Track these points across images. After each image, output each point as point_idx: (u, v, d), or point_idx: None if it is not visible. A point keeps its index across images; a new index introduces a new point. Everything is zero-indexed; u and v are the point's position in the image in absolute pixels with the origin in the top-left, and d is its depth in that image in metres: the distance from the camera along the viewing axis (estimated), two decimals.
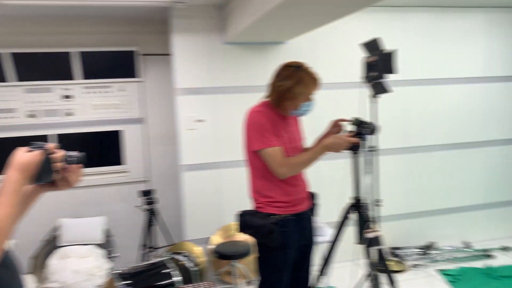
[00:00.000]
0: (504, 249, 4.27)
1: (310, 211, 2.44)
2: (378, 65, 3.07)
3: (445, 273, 3.80)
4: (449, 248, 4.24)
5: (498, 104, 4.49)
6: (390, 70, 3.07)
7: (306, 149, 2.36)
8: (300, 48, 3.89)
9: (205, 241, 3.82)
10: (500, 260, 4.05)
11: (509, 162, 4.58)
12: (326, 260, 2.54)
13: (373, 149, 3.31)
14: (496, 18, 4.39)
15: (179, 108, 3.74)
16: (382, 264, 2.44)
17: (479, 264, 3.97)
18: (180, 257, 3.38)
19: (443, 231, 4.41)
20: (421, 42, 4.21)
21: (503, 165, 4.57)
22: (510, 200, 4.62)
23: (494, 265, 3.91)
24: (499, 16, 4.40)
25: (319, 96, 2.35)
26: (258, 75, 3.80)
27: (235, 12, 3.38)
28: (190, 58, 3.73)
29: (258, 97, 2.35)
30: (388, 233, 4.20)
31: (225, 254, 3.25)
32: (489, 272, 3.76)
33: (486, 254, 4.14)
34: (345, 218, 2.52)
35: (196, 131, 3.78)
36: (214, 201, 3.87)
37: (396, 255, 4.12)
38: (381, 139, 3.69)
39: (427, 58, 4.24)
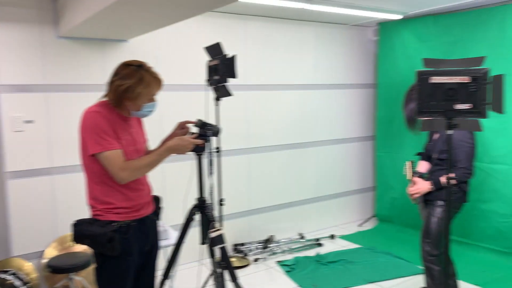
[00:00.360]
0: (332, 237, 4.81)
1: (154, 215, 2.38)
2: (220, 69, 3.18)
3: (282, 264, 4.11)
4: (286, 240, 4.60)
5: (325, 109, 5.03)
6: (231, 75, 3.20)
7: (150, 152, 2.30)
8: (143, 48, 3.79)
9: (38, 255, 3.44)
10: (328, 247, 4.55)
11: (334, 160, 5.18)
12: (170, 263, 2.51)
13: (217, 150, 3.41)
14: (323, 32, 4.92)
15: (3, 107, 3.30)
16: (225, 261, 2.52)
17: (311, 252, 4.40)
18: (6, 276, 2.99)
19: (281, 225, 4.77)
20: (260, 49, 4.48)
21: (330, 163, 5.15)
22: (336, 193, 5.24)
23: (323, 252, 4.37)
24: (326, 30, 4.94)
25: (165, 97, 2.32)
26: (97, 73, 3.59)
27: (69, 5, 3.12)
28: (16, 51, 3.31)
29: (97, 96, 2.20)
30: (232, 231, 4.37)
31: (60, 268, 2.98)
32: (319, 259, 4.19)
33: (317, 243, 4.61)
34: (189, 220, 2.54)
35: (24, 133, 3.38)
36: (47, 210, 3.51)
37: (240, 251, 4.31)
38: (224, 141, 3.82)
39: (265, 65, 4.53)
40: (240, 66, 3.64)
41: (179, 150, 2.22)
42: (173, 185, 3.89)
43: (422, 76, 1.96)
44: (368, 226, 5.28)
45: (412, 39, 4.71)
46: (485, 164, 4.07)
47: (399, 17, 4.60)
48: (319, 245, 4.59)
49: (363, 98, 5.35)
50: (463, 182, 2.95)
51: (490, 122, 3.83)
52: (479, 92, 1.89)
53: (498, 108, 1.93)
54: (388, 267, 4.02)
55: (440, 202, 2.98)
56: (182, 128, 2.39)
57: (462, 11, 4.25)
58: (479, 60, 1.93)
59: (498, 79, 1.94)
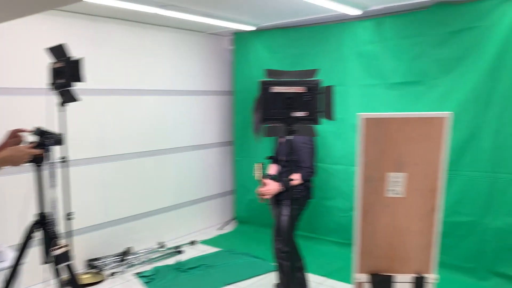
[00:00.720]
0: (192, 243, 4.83)
1: None
2: (65, 72, 2.96)
3: (140, 275, 3.98)
4: (145, 250, 4.47)
5: (184, 115, 5.04)
6: (78, 78, 3.00)
7: None
8: None
9: None
10: (189, 253, 4.55)
11: (194, 166, 5.21)
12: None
13: (62, 160, 3.16)
14: (181, 39, 4.93)
15: None
16: (72, 280, 2.35)
17: (171, 261, 4.35)
18: None
19: (140, 235, 4.62)
20: (115, 53, 4.28)
21: (190, 169, 5.16)
22: (196, 199, 5.27)
23: (184, 259, 4.36)
24: (184, 37, 4.95)
25: None
26: None
27: None
28: None
29: None
30: (85, 246, 4.10)
31: None
32: (179, 267, 4.16)
33: (177, 250, 4.57)
34: (28, 238, 2.30)
35: None
36: None
37: (94, 267, 4.04)
38: (73, 149, 3.56)
39: (120, 69, 4.35)
40: (90, 70, 3.43)
41: (13, 161, 2.02)
42: (8, 200, 3.48)
43: (264, 86, 2.10)
44: (228, 228, 5.43)
45: (263, 50, 4.99)
46: (328, 164, 4.51)
47: (252, 28, 4.84)
48: (179, 252, 4.56)
49: (221, 105, 5.49)
50: (307, 180, 3.22)
51: (331, 127, 4.31)
52: (313, 101, 2.09)
53: (329, 115, 2.15)
54: (246, 267, 4.18)
55: (288, 202, 3.21)
56: (14, 137, 2.17)
57: (306, 26, 4.66)
58: (312, 72, 2.13)
59: (329, 89, 2.16)
